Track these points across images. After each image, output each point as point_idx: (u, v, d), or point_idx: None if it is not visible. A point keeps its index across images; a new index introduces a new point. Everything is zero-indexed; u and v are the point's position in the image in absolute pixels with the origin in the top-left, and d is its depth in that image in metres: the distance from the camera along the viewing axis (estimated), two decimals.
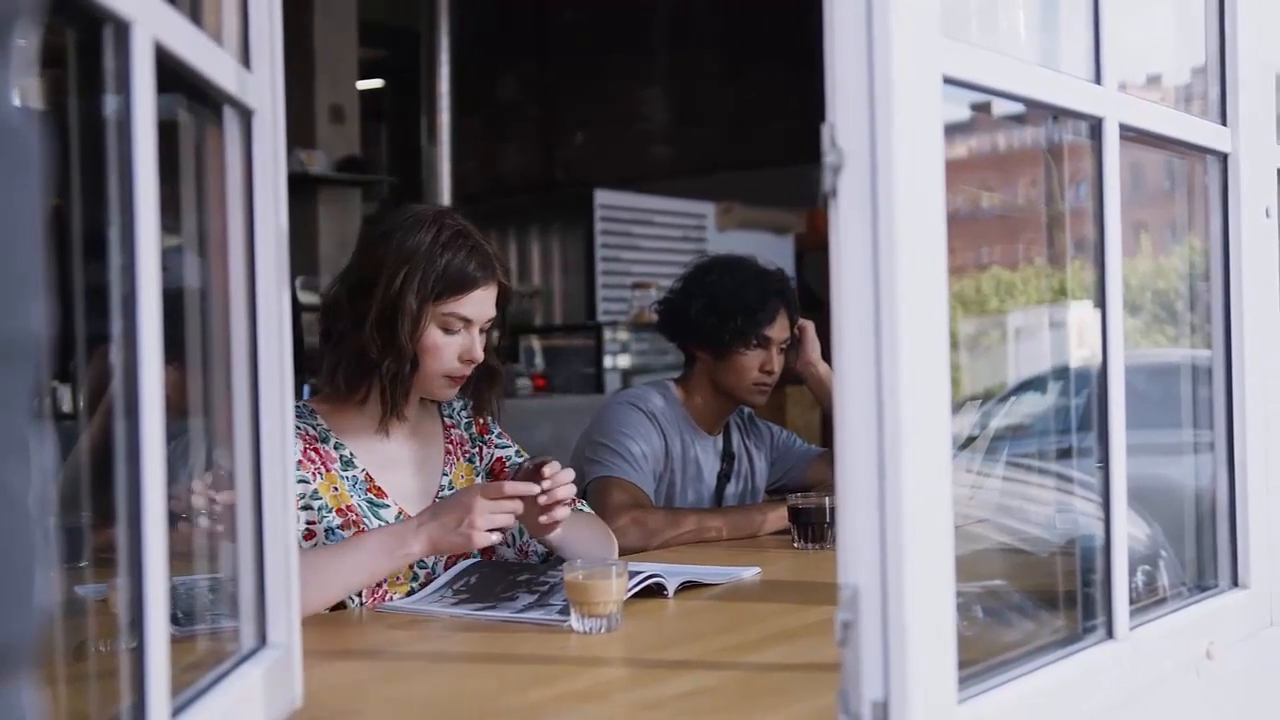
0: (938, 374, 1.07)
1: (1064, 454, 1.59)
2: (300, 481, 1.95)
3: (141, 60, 0.91)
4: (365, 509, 2.03)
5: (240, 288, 1.21)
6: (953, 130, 1.12)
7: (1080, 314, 1.47)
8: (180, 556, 1.25)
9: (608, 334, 7.29)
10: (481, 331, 2.06)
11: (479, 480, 2.20)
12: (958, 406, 1.11)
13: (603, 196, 8.12)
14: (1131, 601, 1.38)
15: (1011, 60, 1.27)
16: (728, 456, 2.87)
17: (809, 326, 2.86)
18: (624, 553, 2.41)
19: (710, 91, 8.73)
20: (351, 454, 2.07)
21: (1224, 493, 1.64)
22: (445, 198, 6.70)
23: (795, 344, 2.84)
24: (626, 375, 7.17)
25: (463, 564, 2.06)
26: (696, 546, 2.52)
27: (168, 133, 0.97)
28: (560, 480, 1.93)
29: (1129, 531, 1.38)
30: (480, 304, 2.04)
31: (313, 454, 2.01)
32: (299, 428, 2.00)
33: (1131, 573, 1.40)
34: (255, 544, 1.23)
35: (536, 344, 7.35)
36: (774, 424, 3.07)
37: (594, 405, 3.78)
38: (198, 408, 1.24)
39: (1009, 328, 1.58)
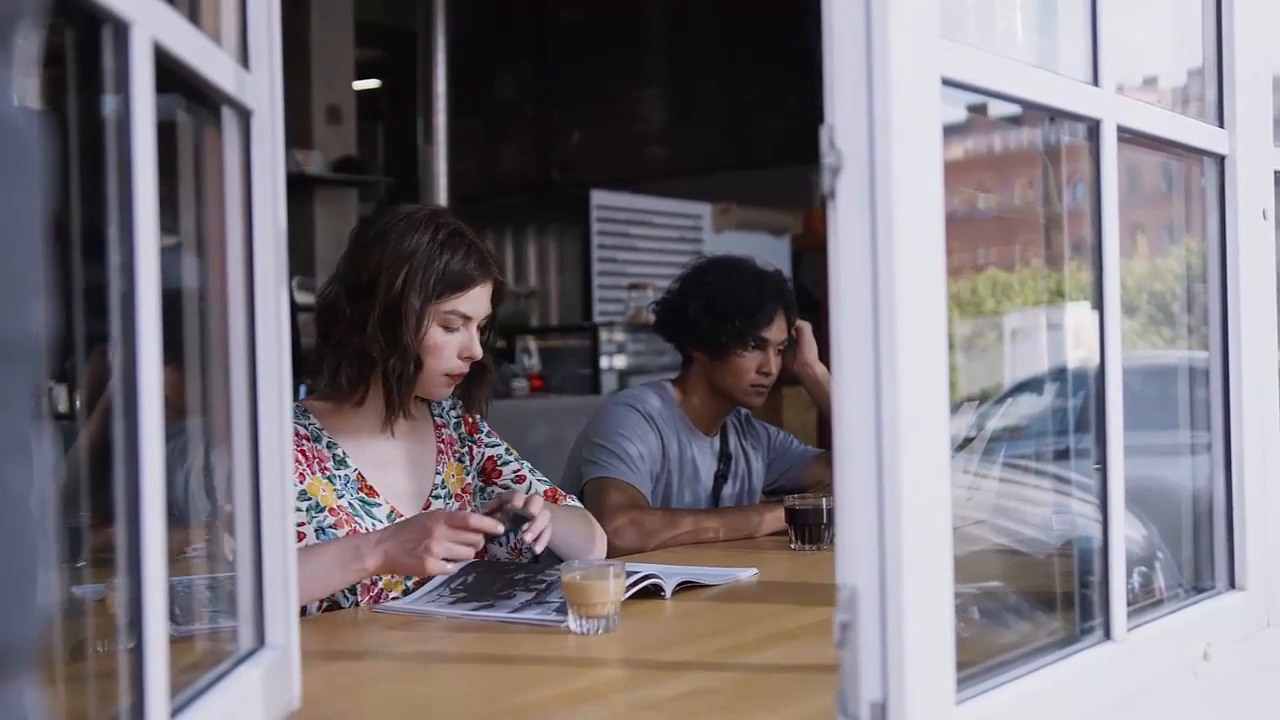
0: (936, 375, 1.07)
1: (1061, 455, 1.59)
2: None
3: (141, 60, 0.91)
4: (357, 508, 2.04)
5: (239, 288, 1.21)
6: (948, 131, 1.12)
7: (1077, 315, 1.47)
8: (178, 558, 1.25)
9: (604, 335, 7.30)
10: (478, 329, 2.08)
11: (469, 480, 2.21)
12: (954, 408, 1.11)
13: (599, 197, 8.12)
14: (1129, 603, 1.38)
15: (1010, 62, 1.27)
16: (725, 457, 2.87)
17: (806, 328, 2.86)
18: (621, 553, 2.41)
19: (707, 92, 8.73)
20: (344, 454, 2.07)
21: (1221, 494, 1.64)
22: (442, 198, 6.70)
23: (792, 345, 2.84)
24: (623, 376, 7.17)
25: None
26: (694, 547, 2.52)
27: (166, 133, 0.97)
28: (539, 525, 1.96)
29: (1126, 533, 1.39)
30: (479, 301, 2.08)
31: (301, 454, 2.01)
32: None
33: (1129, 574, 1.41)
34: (253, 545, 1.23)
35: (533, 344, 7.35)
36: (770, 425, 3.07)
37: (590, 406, 3.78)
38: (195, 408, 1.24)
39: (1005, 329, 1.58)
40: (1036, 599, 1.50)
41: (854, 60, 1.03)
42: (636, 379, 6.78)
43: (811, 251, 6.79)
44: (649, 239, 8.24)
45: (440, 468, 2.18)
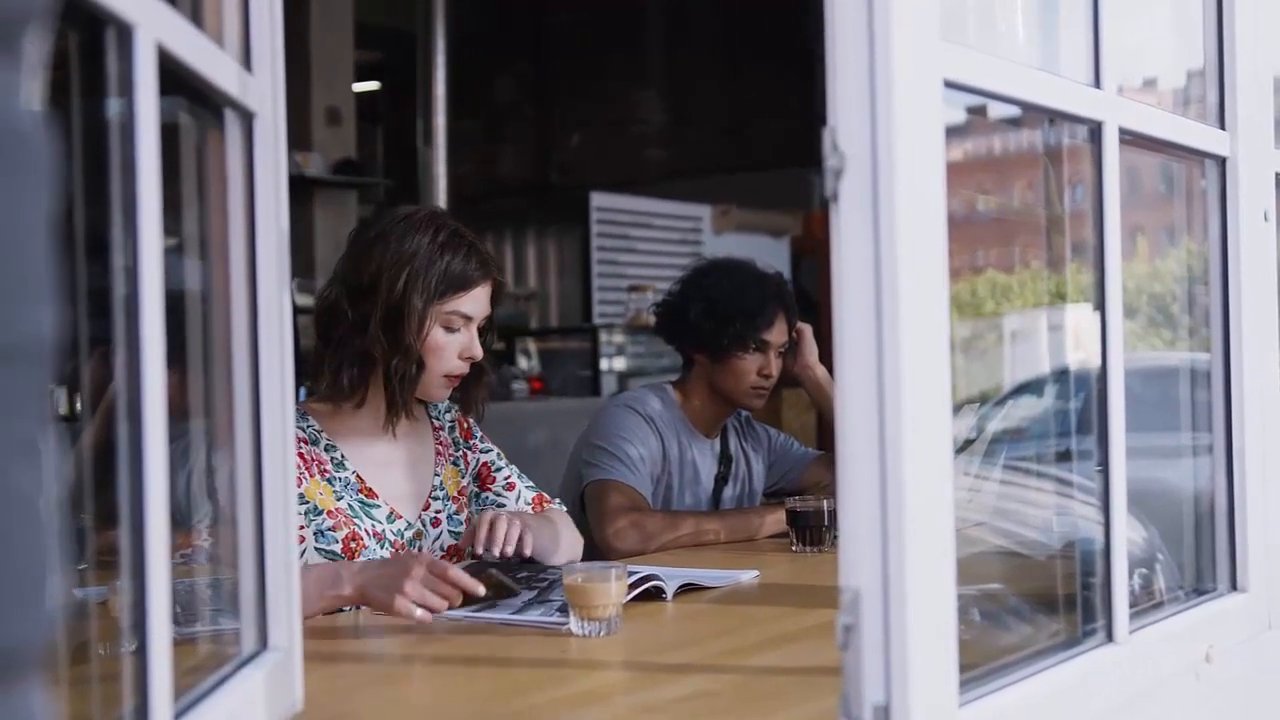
0: (939, 377, 1.07)
1: (1062, 457, 1.59)
2: None
3: (144, 63, 0.91)
4: (357, 509, 2.04)
5: (241, 290, 1.21)
6: (948, 133, 1.12)
7: (1077, 317, 1.47)
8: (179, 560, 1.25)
9: (604, 337, 7.29)
10: (478, 330, 2.09)
11: (465, 483, 2.21)
12: (955, 410, 1.12)
13: (599, 199, 8.12)
14: (1131, 605, 1.38)
15: (1011, 64, 1.27)
16: (725, 459, 2.87)
17: (807, 330, 2.86)
18: (622, 556, 2.41)
19: (706, 94, 8.73)
20: (343, 456, 2.07)
21: (1223, 496, 1.64)
22: (441, 200, 6.70)
23: (793, 347, 2.84)
24: (622, 378, 7.16)
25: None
26: (694, 549, 2.52)
27: (169, 135, 0.97)
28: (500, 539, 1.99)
29: (1127, 535, 1.39)
30: (480, 301, 2.08)
31: (299, 457, 2.01)
32: None
33: (1130, 576, 1.41)
34: (256, 547, 1.23)
35: (532, 346, 7.35)
36: (771, 427, 3.07)
37: (590, 408, 3.78)
38: (198, 410, 1.24)
39: (1005, 331, 1.58)
40: (1038, 601, 1.50)
41: (856, 63, 1.04)
42: (636, 381, 6.77)
43: (811, 254, 6.79)
44: (649, 241, 8.23)
45: (439, 469, 2.19)
